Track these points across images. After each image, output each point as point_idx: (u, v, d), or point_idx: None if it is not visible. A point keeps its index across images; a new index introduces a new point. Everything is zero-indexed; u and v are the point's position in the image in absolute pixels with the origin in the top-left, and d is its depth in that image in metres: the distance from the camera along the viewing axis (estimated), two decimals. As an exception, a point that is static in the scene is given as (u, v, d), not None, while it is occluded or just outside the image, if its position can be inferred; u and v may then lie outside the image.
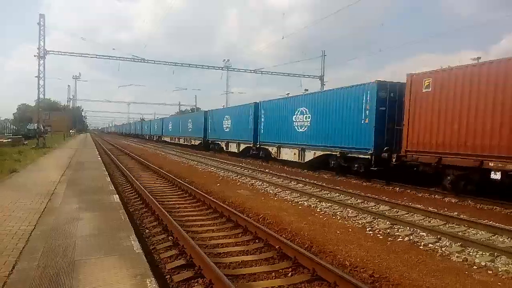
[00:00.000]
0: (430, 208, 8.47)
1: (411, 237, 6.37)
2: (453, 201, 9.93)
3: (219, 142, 28.02)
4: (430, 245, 5.97)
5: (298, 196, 10.09)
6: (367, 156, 12.93)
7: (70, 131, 70.64)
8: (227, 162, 19.82)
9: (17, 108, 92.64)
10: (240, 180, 13.19)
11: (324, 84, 36.42)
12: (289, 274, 4.63)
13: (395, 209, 8.61)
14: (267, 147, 20.60)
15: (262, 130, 21.04)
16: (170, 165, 17.84)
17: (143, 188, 9.67)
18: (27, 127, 54.20)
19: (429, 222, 7.54)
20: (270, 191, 10.92)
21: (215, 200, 8.40)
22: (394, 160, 11.87)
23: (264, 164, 20.28)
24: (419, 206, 8.82)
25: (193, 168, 17.54)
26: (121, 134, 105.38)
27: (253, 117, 21.92)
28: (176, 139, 41.35)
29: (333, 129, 14.87)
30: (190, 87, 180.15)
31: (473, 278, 4.68)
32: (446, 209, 8.60)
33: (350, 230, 6.83)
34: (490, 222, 7.27)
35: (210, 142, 30.27)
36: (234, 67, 44.50)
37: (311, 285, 4.34)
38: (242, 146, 23.69)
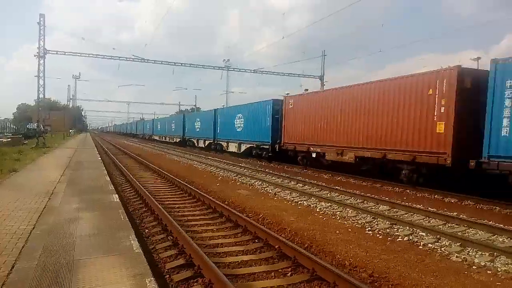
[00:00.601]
0: (429, 208, 8.48)
1: (411, 237, 6.37)
2: (452, 201, 9.94)
3: (193, 139, 35.21)
4: (430, 245, 5.97)
5: (297, 196, 10.09)
6: (268, 147, 20.12)
7: (70, 130, 70.60)
8: (227, 162, 19.85)
9: (17, 108, 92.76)
10: (240, 180, 13.19)
11: (324, 84, 36.41)
12: (289, 274, 4.63)
13: (395, 209, 8.62)
14: (221, 142, 27.42)
15: (218, 130, 27.90)
16: (170, 165, 17.84)
17: (142, 188, 9.68)
18: (27, 126, 54.14)
19: (429, 222, 7.54)
20: (270, 191, 10.92)
21: (214, 200, 8.40)
22: (277, 148, 19.27)
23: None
24: (418, 206, 8.83)
25: (193, 167, 17.54)
26: (119, 133, 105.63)
27: (213, 120, 28.56)
28: (163, 137, 48.28)
29: (254, 129, 21.69)
30: (190, 87, 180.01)
31: (472, 278, 4.69)
32: (445, 209, 8.60)
33: (349, 230, 6.83)
34: (490, 222, 7.28)
35: (186, 139, 37.38)
36: (234, 67, 44.63)
37: (311, 285, 4.34)
38: (207, 142, 30.60)
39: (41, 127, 30.75)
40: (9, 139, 29.53)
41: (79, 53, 30.23)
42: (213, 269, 4.27)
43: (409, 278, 4.57)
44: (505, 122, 8.77)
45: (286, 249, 5.20)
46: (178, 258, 5.03)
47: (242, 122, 23.41)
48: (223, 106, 40.84)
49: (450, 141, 10.02)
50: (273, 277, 4.55)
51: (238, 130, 23.92)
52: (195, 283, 4.28)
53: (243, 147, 23.19)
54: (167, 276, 4.51)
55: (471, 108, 9.79)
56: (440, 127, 10.33)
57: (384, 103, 12.25)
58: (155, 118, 67.08)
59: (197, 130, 33.30)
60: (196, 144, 33.71)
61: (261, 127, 20.72)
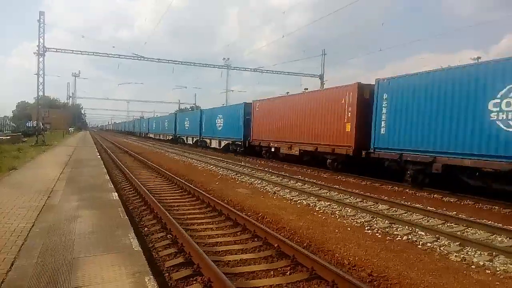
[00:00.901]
0: (428, 208, 8.49)
1: (410, 236, 6.38)
2: (451, 200, 9.95)
3: (183, 137, 38.60)
4: (429, 244, 5.98)
5: (297, 195, 10.09)
6: (241, 143, 23.48)
7: (69, 129, 70.51)
8: (226, 160, 19.82)
9: (16, 106, 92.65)
10: (239, 179, 13.19)
11: (324, 83, 36.39)
12: (288, 273, 4.63)
13: (394, 208, 8.62)
14: (205, 139, 31.05)
15: (203, 129, 31.46)
16: (169, 163, 17.83)
17: (142, 186, 9.67)
18: (26, 124, 54.07)
19: (428, 221, 7.55)
20: (269, 190, 10.92)
21: (214, 199, 8.39)
22: (247, 144, 22.61)
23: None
24: (418, 205, 8.83)
25: (192, 166, 17.54)
26: (118, 131, 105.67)
27: (199, 119, 32.04)
28: (157, 135, 51.77)
29: (230, 128, 25.18)
30: (190, 85, 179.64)
31: (471, 278, 4.69)
32: (444, 209, 8.61)
33: (348, 229, 6.84)
34: (489, 222, 7.29)
35: (178, 137, 40.61)
36: (234, 65, 44.98)
37: (310, 283, 4.34)
38: (194, 139, 34.29)
39: (41, 125, 30.71)
40: (8, 137, 29.50)
41: (79, 51, 30.19)
42: (212, 268, 4.28)
43: (408, 278, 4.57)
44: (383, 124, 12.27)
45: (285, 247, 5.20)
46: (177, 256, 5.03)
47: (222, 122, 27.06)
48: (223, 104, 42.71)
49: (353, 137, 13.47)
50: (272, 275, 4.56)
51: (218, 129, 27.59)
52: (194, 282, 4.29)
53: (223, 143, 26.86)
54: (167, 274, 4.51)
55: (368, 113, 12.87)
56: (348, 127, 13.82)
57: (316, 108, 15.88)
58: (151, 117, 70.17)
59: (186, 128, 36.76)
60: (185, 141, 37.24)
61: (235, 126, 24.14)
